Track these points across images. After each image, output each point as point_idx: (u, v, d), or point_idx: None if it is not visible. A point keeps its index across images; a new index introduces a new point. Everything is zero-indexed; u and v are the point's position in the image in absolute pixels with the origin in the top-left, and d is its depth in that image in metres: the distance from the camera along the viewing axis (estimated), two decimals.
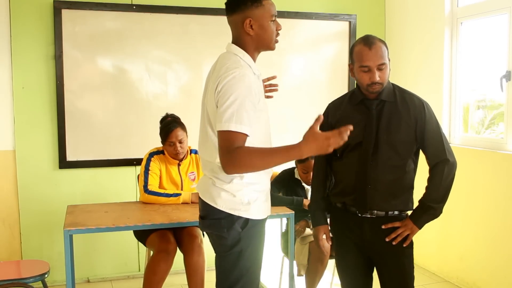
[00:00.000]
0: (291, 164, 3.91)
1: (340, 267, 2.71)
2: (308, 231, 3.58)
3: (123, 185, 4.42)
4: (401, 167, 2.49)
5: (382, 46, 2.42)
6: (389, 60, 2.47)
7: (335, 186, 2.69)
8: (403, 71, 4.83)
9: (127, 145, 4.41)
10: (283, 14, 4.53)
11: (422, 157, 2.57)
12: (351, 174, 2.55)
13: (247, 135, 2.07)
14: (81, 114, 4.29)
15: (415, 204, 2.57)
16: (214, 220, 2.25)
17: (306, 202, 3.66)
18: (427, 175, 2.55)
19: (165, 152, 3.68)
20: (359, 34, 4.98)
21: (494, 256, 3.88)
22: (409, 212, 2.58)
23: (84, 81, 4.29)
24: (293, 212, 3.38)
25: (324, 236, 2.71)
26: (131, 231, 3.74)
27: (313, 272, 3.53)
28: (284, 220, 3.88)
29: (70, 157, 4.27)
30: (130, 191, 4.41)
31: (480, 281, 4.00)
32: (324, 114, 2.68)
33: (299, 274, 3.57)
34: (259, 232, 2.29)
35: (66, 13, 4.17)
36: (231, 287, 2.25)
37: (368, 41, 2.42)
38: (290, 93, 4.81)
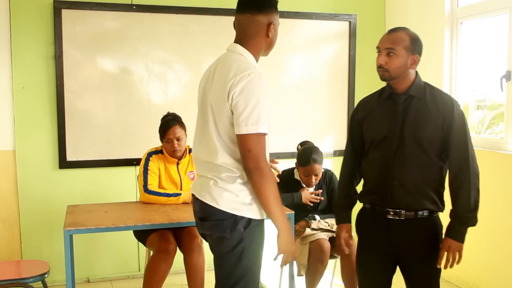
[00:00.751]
0: (290, 164, 3.91)
1: (361, 271, 2.69)
2: (308, 231, 3.57)
3: (123, 185, 4.42)
4: (429, 165, 2.45)
5: (403, 36, 2.42)
6: (415, 55, 2.44)
7: (363, 185, 2.67)
8: None
9: (127, 145, 4.41)
10: (283, 14, 4.53)
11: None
12: (376, 170, 2.54)
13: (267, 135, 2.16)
14: (81, 114, 4.29)
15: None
16: (217, 221, 2.23)
17: (304, 197, 3.67)
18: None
19: (164, 151, 3.68)
20: (359, 34, 4.99)
21: (494, 256, 3.88)
22: (440, 214, 2.54)
23: (84, 81, 4.29)
24: (293, 212, 3.38)
25: (346, 235, 2.70)
26: (131, 231, 3.74)
27: (313, 272, 3.52)
28: None
29: (70, 157, 4.27)
30: (130, 191, 4.41)
31: (480, 281, 4.00)
32: (354, 110, 2.72)
33: (299, 274, 3.57)
34: (260, 232, 2.29)
35: (66, 13, 4.16)
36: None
37: (393, 29, 2.48)
38: (290, 93, 4.82)
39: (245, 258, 2.22)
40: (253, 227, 2.22)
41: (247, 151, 2.09)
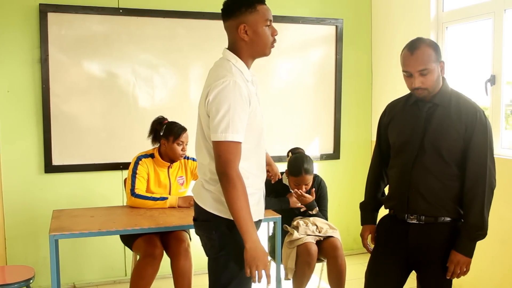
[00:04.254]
0: (280, 169, 3.91)
1: (371, 273, 2.68)
2: (296, 235, 3.57)
3: (110, 190, 4.39)
4: (449, 174, 2.45)
5: (426, 51, 2.39)
6: (442, 62, 2.44)
7: (388, 190, 2.70)
8: (389, 75, 4.86)
9: (113, 149, 4.39)
10: None
11: None
12: (397, 177, 2.56)
13: (241, 143, 2.15)
14: (67, 118, 4.26)
15: None
16: (204, 221, 2.31)
17: (291, 200, 3.67)
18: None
19: (155, 155, 3.67)
20: (346, 39, 5.02)
21: (479, 258, 3.90)
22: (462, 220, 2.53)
23: (70, 85, 4.26)
24: (280, 216, 3.38)
25: (369, 236, 2.72)
26: (118, 236, 3.72)
27: (300, 275, 3.53)
28: (271, 224, 3.89)
29: (56, 161, 4.25)
30: (116, 195, 4.39)
31: (466, 284, 4.03)
32: (382, 114, 2.73)
33: (287, 278, 3.57)
34: None
35: (52, 17, 4.14)
36: None
37: (412, 46, 2.42)
38: (277, 96, 4.82)
39: (232, 262, 2.24)
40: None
41: (217, 157, 2.14)
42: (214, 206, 2.25)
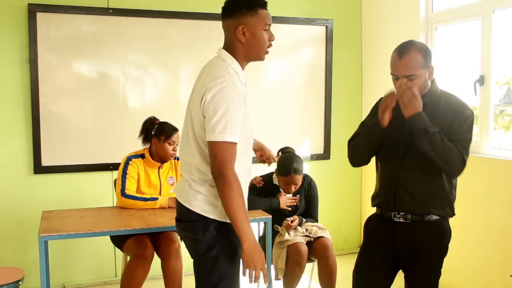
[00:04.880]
0: (269, 169, 3.91)
1: (359, 273, 2.69)
2: (286, 236, 3.58)
3: (100, 190, 4.38)
4: (436, 172, 2.46)
5: (415, 56, 2.39)
6: (431, 67, 2.45)
7: (375, 187, 2.69)
8: (379, 75, 4.88)
9: (103, 149, 4.37)
10: None
11: None
12: (384, 174, 2.57)
13: (237, 144, 2.14)
14: (57, 119, 4.24)
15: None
16: (190, 222, 2.27)
17: (282, 202, 3.67)
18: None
19: (146, 155, 3.66)
20: (336, 39, 5.03)
21: (470, 258, 3.94)
22: (450, 220, 2.55)
23: (59, 85, 4.24)
24: (270, 216, 3.38)
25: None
26: (108, 237, 3.70)
27: (290, 276, 3.53)
28: (262, 224, 3.89)
29: (45, 162, 4.22)
30: (106, 196, 4.37)
31: (456, 283, 4.05)
32: (373, 107, 2.71)
33: (277, 278, 3.58)
34: (235, 235, 2.27)
35: (41, 16, 4.12)
36: None
37: (402, 50, 2.43)
38: (267, 97, 4.83)
39: (221, 262, 2.22)
40: (227, 230, 2.22)
41: (213, 158, 2.12)
42: (203, 207, 2.22)
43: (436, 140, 2.35)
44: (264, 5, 2.25)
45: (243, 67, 2.29)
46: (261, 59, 2.31)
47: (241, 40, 2.22)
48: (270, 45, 2.29)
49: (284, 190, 3.73)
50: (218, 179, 2.12)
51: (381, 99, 2.60)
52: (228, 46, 2.27)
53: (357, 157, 2.69)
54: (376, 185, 2.71)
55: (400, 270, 2.66)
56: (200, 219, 2.22)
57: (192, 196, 2.25)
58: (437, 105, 2.48)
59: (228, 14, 2.23)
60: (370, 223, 2.72)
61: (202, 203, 2.22)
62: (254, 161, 3.78)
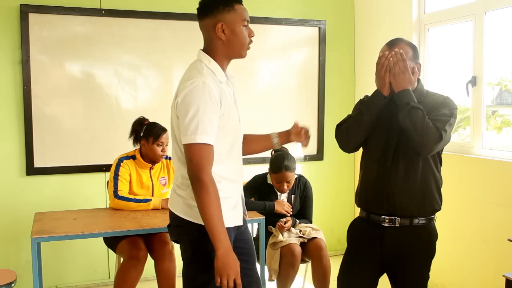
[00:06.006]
0: (263, 169, 3.92)
1: (344, 278, 2.68)
2: (280, 237, 3.58)
3: (92, 192, 4.36)
4: (425, 168, 2.49)
5: (404, 48, 2.46)
6: (418, 63, 2.49)
7: (360, 188, 2.67)
8: (372, 76, 4.87)
9: (96, 150, 4.35)
10: (253, 20, 4.48)
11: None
12: (373, 172, 2.56)
13: (212, 145, 2.10)
14: (49, 120, 4.22)
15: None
16: (176, 227, 2.27)
17: (277, 206, 3.67)
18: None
19: (137, 156, 3.65)
20: (329, 40, 5.04)
21: (463, 258, 3.95)
22: (443, 220, 2.57)
23: (52, 86, 4.23)
24: (264, 217, 3.38)
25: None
26: (101, 238, 3.69)
27: (284, 277, 3.54)
28: (256, 225, 3.89)
29: (37, 163, 4.20)
30: (99, 197, 4.36)
31: (449, 283, 4.07)
32: (355, 106, 2.71)
33: (271, 279, 3.58)
34: None
35: (33, 17, 4.10)
36: None
37: (391, 42, 2.50)
38: (260, 98, 4.83)
39: (207, 266, 2.16)
40: None
41: (189, 161, 2.09)
42: (185, 211, 2.20)
43: (418, 116, 2.36)
44: (240, 1, 2.22)
45: (223, 67, 2.25)
46: (243, 56, 2.27)
47: (221, 38, 2.19)
48: (250, 42, 2.26)
49: (277, 189, 3.73)
50: (194, 182, 2.08)
51: (361, 99, 2.63)
52: (208, 47, 2.24)
53: (352, 137, 2.57)
54: (361, 183, 2.68)
55: (384, 274, 2.66)
56: (184, 223, 2.20)
57: (176, 200, 2.24)
58: (424, 100, 2.50)
59: (205, 13, 2.20)
60: (355, 227, 2.70)
61: (184, 207, 2.20)
62: (246, 162, 3.77)
